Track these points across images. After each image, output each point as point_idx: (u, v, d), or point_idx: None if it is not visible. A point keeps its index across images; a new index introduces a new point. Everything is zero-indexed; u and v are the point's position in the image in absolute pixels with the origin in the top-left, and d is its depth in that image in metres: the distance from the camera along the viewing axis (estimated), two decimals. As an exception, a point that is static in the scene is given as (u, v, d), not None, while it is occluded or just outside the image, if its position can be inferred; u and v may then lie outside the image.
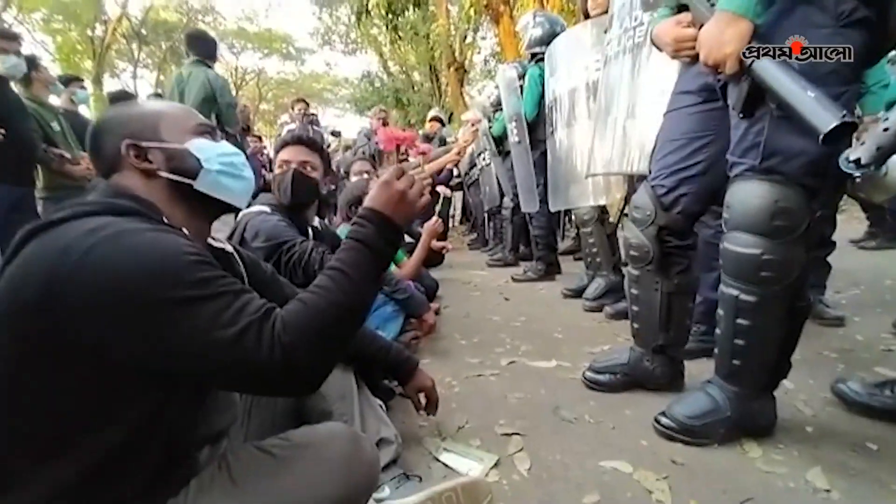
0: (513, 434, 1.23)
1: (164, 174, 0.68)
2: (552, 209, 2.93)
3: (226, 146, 0.74)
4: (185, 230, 0.65)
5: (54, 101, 3.00)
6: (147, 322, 0.52)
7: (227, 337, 0.53)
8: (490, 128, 3.74)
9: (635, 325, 1.44)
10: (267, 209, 1.47)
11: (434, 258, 3.68)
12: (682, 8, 1.13)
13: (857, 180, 0.82)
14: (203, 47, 3.03)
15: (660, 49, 1.27)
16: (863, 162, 0.45)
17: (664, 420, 1.19)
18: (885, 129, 0.46)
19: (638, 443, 1.17)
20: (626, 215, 1.63)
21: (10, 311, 0.53)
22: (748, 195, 1.04)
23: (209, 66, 2.90)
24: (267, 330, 0.55)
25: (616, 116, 1.91)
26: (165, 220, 0.64)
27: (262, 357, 0.54)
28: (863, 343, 1.75)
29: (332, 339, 0.60)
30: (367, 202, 0.71)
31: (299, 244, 1.39)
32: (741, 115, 1.02)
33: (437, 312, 2.51)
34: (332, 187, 4.05)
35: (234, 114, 2.91)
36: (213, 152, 0.71)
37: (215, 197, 0.72)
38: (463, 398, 1.47)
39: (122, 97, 4.25)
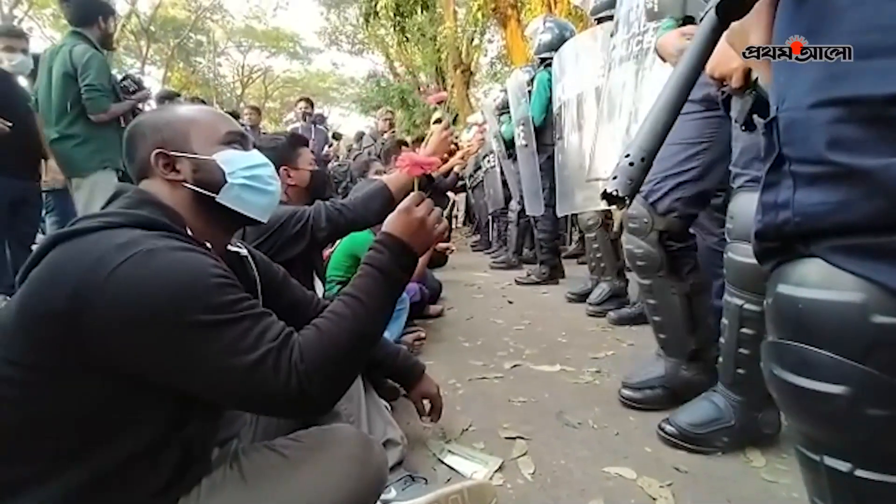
0: (517, 438, 1.24)
1: (189, 186, 0.68)
2: (559, 214, 2.93)
3: (255, 157, 0.74)
4: (208, 243, 0.66)
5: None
6: (170, 343, 0.53)
7: (246, 363, 0.54)
8: (500, 130, 3.75)
9: (661, 336, 1.42)
10: None
11: (438, 259, 3.70)
12: (686, 20, 1.18)
13: None
14: (75, 11, 2.39)
15: (663, 59, 1.30)
16: (621, 195, 0.48)
17: (668, 427, 1.20)
18: (631, 164, 0.49)
19: (642, 449, 1.18)
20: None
21: (35, 317, 0.54)
22: (750, 207, 1.05)
23: (85, 37, 2.33)
24: (284, 358, 0.56)
25: (618, 122, 1.92)
26: (189, 231, 0.65)
27: (279, 385, 0.55)
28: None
29: (346, 366, 0.62)
30: (385, 227, 0.71)
31: (300, 213, 1.32)
32: (743, 128, 1.05)
33: (440, 314, 2.53)
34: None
35: (97, 98, 2.24)
36: (238, 164, 0.71)
37: (236, 210, 0.72)
38: (467, 401, 1.47)
39: (169, 96, 4.23)
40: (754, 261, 1.03)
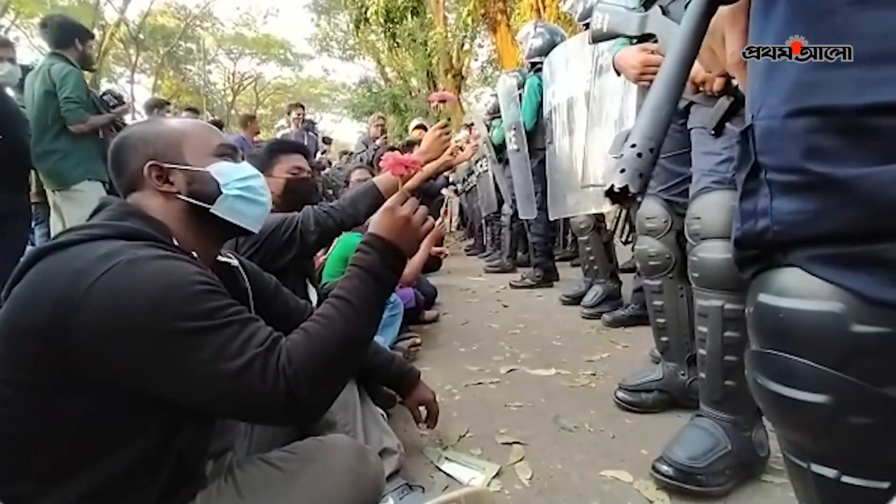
0: (514, 443, 1.24)
1: (183, 197, 0.68)
2: (552, 218, 2.95)
3: (246, 168, 0.74)
4: (194, 252, 0.65)
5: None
6: (154, 352, 0.53)
7: (233, 369, 0.54)
8: (490, 136, 3.77)
9: (663, 339, 1.39)
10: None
11: (432, 264, 3.70)
12: (644, 38, 1.20)
13: None
14: (53, 35, 2.52)
15: (618, 73, 1.34)
16: (632, 191, 0.43)
17: (664, 468, 1.03)
18: (639, 155, 0.44)
19: (638, 452, 1.18)
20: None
21: (18, 333, 0.54)
22: (717, 204, 1.05)
23: (64, 56, 2.45)
24: (272, 363, 0.55)
25: (607, 128, 1.94)
26: (175, 242, 0.65)
27: (267, 390, 0.54)
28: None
29: (336, 370, 0.61)
30: (371, 228, 0.71)
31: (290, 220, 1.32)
32: (712, 133, 1.04)
33: (435, 320, 2.53)
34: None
35: (75, 109, 2.36)
36: (232, 176, 0.71)
37: (230, 221, 0.72)
38: (463, 406, 1.48)
39: (159, 105, 4.19)
40: (729, 255, 1.03)
